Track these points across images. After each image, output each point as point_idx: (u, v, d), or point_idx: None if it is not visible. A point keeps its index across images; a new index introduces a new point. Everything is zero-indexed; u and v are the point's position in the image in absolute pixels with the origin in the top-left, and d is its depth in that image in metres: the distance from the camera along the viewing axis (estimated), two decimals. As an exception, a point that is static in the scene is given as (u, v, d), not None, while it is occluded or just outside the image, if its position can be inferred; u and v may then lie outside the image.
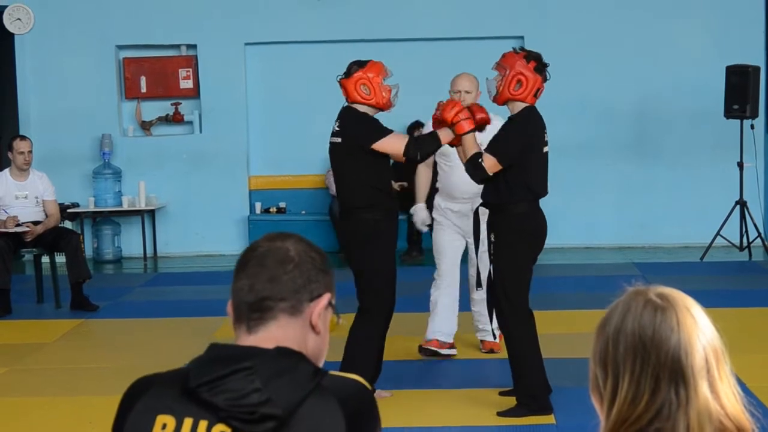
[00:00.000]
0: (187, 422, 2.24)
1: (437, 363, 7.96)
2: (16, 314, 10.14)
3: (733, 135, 12.51)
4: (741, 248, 12.54)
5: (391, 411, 6.77)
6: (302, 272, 2.33)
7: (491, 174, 6.58)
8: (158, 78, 13.92)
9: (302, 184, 14.04)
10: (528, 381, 6.64)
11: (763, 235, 12.71)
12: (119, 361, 8.16)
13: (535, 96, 6.70)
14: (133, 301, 10.91)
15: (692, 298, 2.18)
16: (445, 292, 8.01)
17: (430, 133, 6.89)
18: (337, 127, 6.93)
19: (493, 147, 6.64)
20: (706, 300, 2.27)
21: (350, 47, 13.69)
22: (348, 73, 7.00)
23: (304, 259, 2.34)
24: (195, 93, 13.95)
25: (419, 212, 8.16)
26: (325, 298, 2.37)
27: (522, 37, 13.62)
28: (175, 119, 13.99)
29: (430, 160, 7.83)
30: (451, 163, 7.77)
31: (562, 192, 13.39)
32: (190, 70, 13.92)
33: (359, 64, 7.06)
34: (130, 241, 13.82)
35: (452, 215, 7.99)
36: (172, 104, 13.98)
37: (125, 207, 13.52)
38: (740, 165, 12.43)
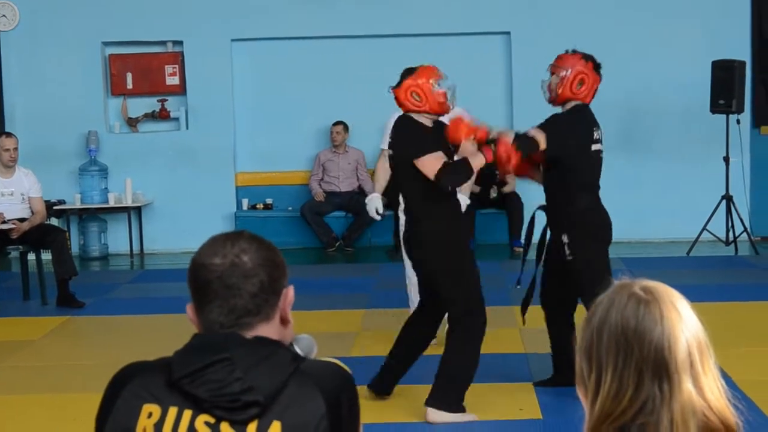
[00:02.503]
0: (172, 411, 2.27)
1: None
2: (2, 311, 10.12)
3: (720, 130, 12.53)
4: (727, 243, 12.57)
5: (395, 406, 6.78)
6: (266, 278, 2.35)
7: (540, 149, 6.55)
8: (144, 74, 13.89)
9: (289, 181, 14.02)
10: None
11: (749, 229, 12.74)
12: (105, 358, 8.13)
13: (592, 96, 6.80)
14: (120, 298, 10.89)
15: (678, 292, 2.18)
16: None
17: (463, 160, 6.52)
18: (390, 138, 6.74)
19: (543, 127, 6.65)
20: (692, 294, 2.27)
21: (337, 43, 13.71)
22: (399, 83, 6.69)
23: (261, 264, 2.35)
24: (181, 89, 13.92)
25: (373, 200, 8.08)
26: (290, 290, 2.41)
27: (509, 33, 13.64)
28: (162, 116, 13.96)
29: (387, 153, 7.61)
30: None
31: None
32: (177, 66, 13.89)
33: (409, 71, 6.73)
34: (117, 238, 13.79)
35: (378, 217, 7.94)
36: (158, 101, 13.95)
37: (111, 204, 13.49)
38: (726, 160, 12.45)
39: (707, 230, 12.34)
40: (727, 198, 12.48)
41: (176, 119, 14.00)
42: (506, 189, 13.08)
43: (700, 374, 2.10)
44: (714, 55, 12.61)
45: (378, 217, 8.16)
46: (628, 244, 13.13)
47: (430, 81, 6.58)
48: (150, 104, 13.99)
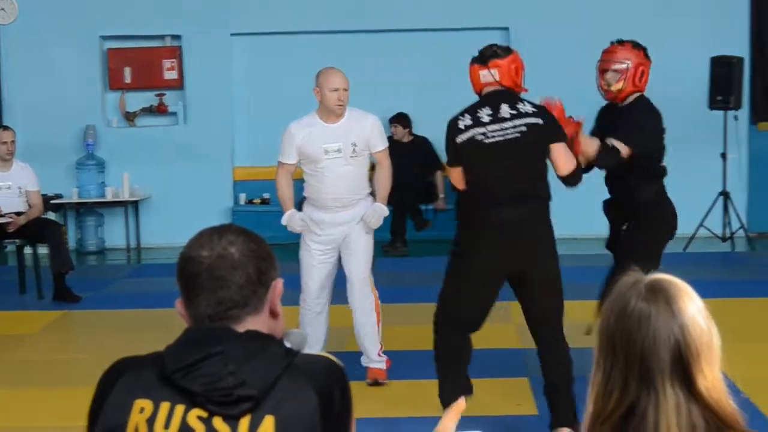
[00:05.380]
0: (164, 407, 2.27)
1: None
2: (-1, 305, 10.12)
3: (717, 126, 12.53)
4: (724, 239, 12.57)
5: (384, 399, 6.78)
6: (253, 270, 2.35)
7: (625, 159, 6.40)
8: (142, 69, 13.88)
9: (287, 175, 13.98)
10: None
11: (745, 226, 12.74)
12: (102, 353, 8.11)
13: None
14: (116, 292, 10.89)
15: (689, 288, 2.16)
16: (312, 320, 7.38)
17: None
18: (532, 107, 6.03)
19: (620, 136, 6.44)
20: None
21: (336, 38, 13.70)
22: (498, 54, 6.20)
23: (249, 255, 2.35)
24: (179, 84, 13.91)
25: (291, 218, 7.42)
26: (279, 282, 2.41)
27: (507, 29, 13.63)
28: (160, 110, 13.96)
29: (290, 168, 7.39)
30: (320, 168, 7.19)
31: (552, 183, 13.40)
32: (175, 60, 13.88)
33: (504, 49, 6.28)
34: (114, 233, 13.79)
35: (324, 227, 7.29)
36: (156, 95, 13.94)
37: (109, 198, 13.48)
38: (724, 156, 12.46)
39: (704, 226, 12.34)
40: (724, 194, 12.49)
41: (174, 114, 13.99)
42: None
43: (698, 376, 2.07)
44: (712, 51, 12.60)
45: (305, 227, 7.40)
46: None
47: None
48: (148, 98, 13.98)
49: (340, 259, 7.41)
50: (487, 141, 5.94)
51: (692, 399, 2.06)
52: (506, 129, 5.94)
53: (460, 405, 6.17)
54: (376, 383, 7.33)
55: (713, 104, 12.37)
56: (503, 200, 5.96)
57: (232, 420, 2.24)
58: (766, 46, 13.50)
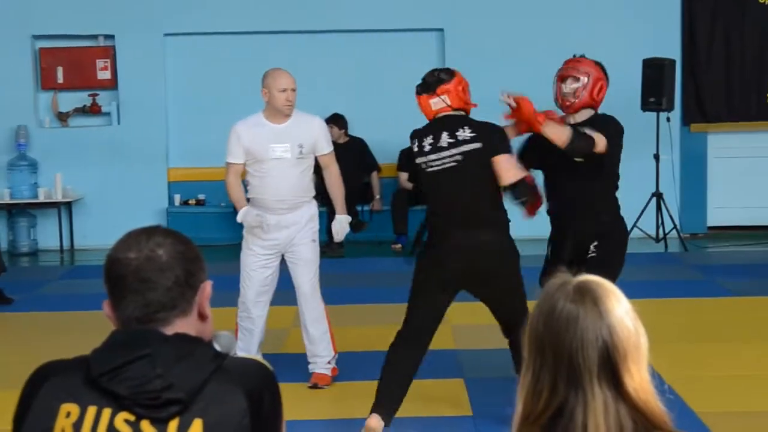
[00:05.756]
0: (91, 410, 2.25)
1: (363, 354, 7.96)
2: (-71, 308, 9.98)
3: (650, 128, 12.65)
4: (657, 240, 12.70)
5: (326, 400, 6.77)
6: (181, 272, 2.33)
7: (596, 152, 6.26)
8: (75, 68, 13.74)
9: (222, 177, 13.78)
10: None
11: (678, 226, 12.87)
12: (33, 355, 8.00)
13: None
14: (49, 294, 10.78)
15: (616, 289, 2.17)
16: (250, 324, 7.27)
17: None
18: (470, 132, 6.08)
19: (602, 131, 6.35)
20: (623, 291, 2.27)
21: (271, 39, 13.65)
22: (443, 80, 6.19)
23: (177, 257, 2.33)
24: (113, 84, 13.80)
25: (247, 214, 7.23)
26: (208, 285, 2.39)
27: (442, 30, 13.66)
28: (93, 110, 13.83)
29: (238, 168, 7.31)
30: (266, 168, 7.16)
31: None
32: (108, 60, 13.76)
33: (445, 72, 6.26)
34: (47, 234, 13.65)
35: (269, 230, 7.19)
36: (89, 95, 13.81)
37: (41, 199, 13.35)
38: (656, 157, 12.58)
39: (637, 227, 12.45)
40: (657, 195, 12.62)
41: (108, 114, 13.87)
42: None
43: (625, 376, 2.08)
44: (645, 53, 12.71)
45: (259, 224, 7.24)
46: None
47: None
48: (81, 99, 13.84)
49: (281, 263, 7.37)
50: (428, 170, 6.11)
51: (620, 399, 2.07)
52: (443, 158, 6.06)
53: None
54: (315, 387, 7.32)
55: (645, 106, 12.49)
56: (452, 226, 6.09)
57: (160, 423, 2.23)
58: (697, 48, 13.64)
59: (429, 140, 6.11)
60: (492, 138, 6.05)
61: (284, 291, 7.55)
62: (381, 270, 11.64)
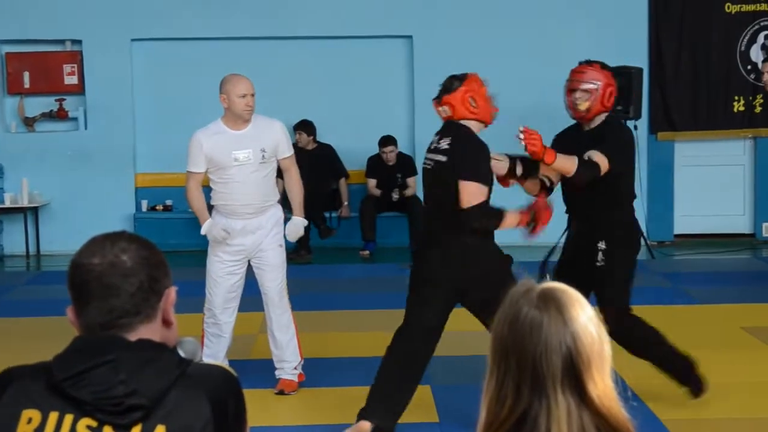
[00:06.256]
0: (53, 416, 2.23)
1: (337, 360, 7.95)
2: None
3: (617, 136, 12.68)
4: (624, 247, 12.73)
5: (292, 407, 6.75)
6: (145, 278, 2.32)
7: (601, 174, 6.42)
8: (42, 73, 13.68)
9: (189, 182, 13.87)
10: (680, 364, 6.74)
11: (645, 234, 12.93)
12: (-1, 362, 8.00)
13: None
14: (15, 299, 10.72)
15: (580, 296, 2.17)
16: (216, 331, 7.23)
17: (497, 210, 6.22)
18: (447, 144, 6.20)
19: (604, 149, 6.46)
20: (589, 299, 2.27)
21: (238, 45, 13.64)
22: (447, 90, 6.26)
23: (141, 263, 2.32)
24: (80, 89, 13.74)
25: (212, 227, 7.15)
26: (172, 291, 2.38)
27: (410, 37, 13.68)
28: (60, 115, 13.77)
29: (199, 177, 7.19)
30: (230, 175, 7.11)
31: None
32: (75, 65, 13.70)
33: (456, 78, 6.32)
34: (13, 239, 13.57)
35: (235, 235, 7.15)
36: (56, 100, 13.75)
37: (7, 204, 13.27)
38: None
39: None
40: (624, 203, 12.66)
41: (75, 119, 13.82)
42: (407, 192, 13.15)
43: (589, 383, 2.08)
44: (612, 61, 12.71)
45: (224, 238, 7.14)
46: (527, 249, 13.24)
47: (484, 88, 6.32)
48: (48, 104, 13.78)
49: (248, 269, 7.35)
50: (424, 167, 6.40)
51: (583, 406, 2.07)
52: (429, 159, 6.30)
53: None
54: (282, 393, 7.30)
55: (613, 114, 12.52)
56: (435, 229, 6.28)
57: (123, 429, 2.22)
58: (664, 57, 13.72)
59: (434, 141, 6.35)
60: (459, 158, 6.14)
61: (251, 297, 7.53)
62: (349, 276, 11.64)
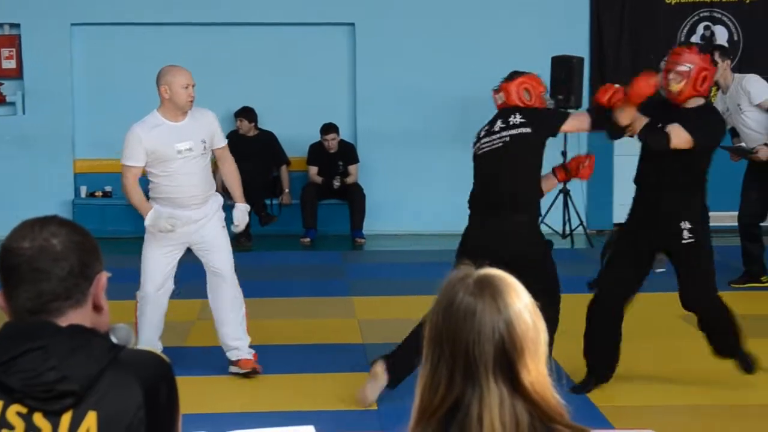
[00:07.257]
0: None
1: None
2: None
3: (558, 125, 12.74)
4: (564, 236, 12.82)
5: (244, 394, 6.73)
6: (76, 262, 2.30)
7: (672, 147, 6.47)
8: (-21, 57, 13.51)
9: (129, 168, 13.76)
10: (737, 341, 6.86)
11: (585, 223, 13.02)
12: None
13: None
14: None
15: (517, 282, 2.17)
16: (151, 316, 7.19)
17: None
18: (520, 118, 6.61)
19: (690, 126, 6.51)
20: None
21: (178, 30, 13.54)
22: (510, 78, 6.73)
23: (71, 248, 2.30)
24: (18, 73, 13.58)
25: (158, 217, 7.08)
26: (103, 276, 2.36)
27: (353, 24, 13.65)
28: (-3, 100, 13.61)
29: (138, 171, 7.16)
30: (173, 168, 7.07)
31: (396, 179, 13.48)
32: (13, 49, 13.54)
33: (518, 73, 6.77)
34: (-52, 225, 13.38)
35: (179, 225, 7.10)
36: (-7, 84, 13.59)
37: (-57, 190, 13.11)
38: (564, 154, 12.69)
39: (544, 223, 12.53)
40: (564, 192, 12.74)
41: (12, 104, 13.65)
42: (349, 180, 13.14)
43: (522, 371, 2.08)
44: (553, 51, 12.82)
45: (171, 229, 7.08)
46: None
47: (543, 85, 6.77)
48: (-15, 88, 13.62)
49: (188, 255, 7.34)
50: (478, 154, 6.71)
51: (516, 394, 2.07)
52: (493, 140, 6.59)
53: None
54: (254, 372, 7.30)
55: (554, 103, 12.59)
56: (485, 208, 6.74)
57: (53, 416, 2.20)
58: (605, 46, 13.80)
59: (485, 128, 6.69)
60: (543, 122, 6.60)
61: (189, 283, 7.50)
62: (290, 263, 11.62)
